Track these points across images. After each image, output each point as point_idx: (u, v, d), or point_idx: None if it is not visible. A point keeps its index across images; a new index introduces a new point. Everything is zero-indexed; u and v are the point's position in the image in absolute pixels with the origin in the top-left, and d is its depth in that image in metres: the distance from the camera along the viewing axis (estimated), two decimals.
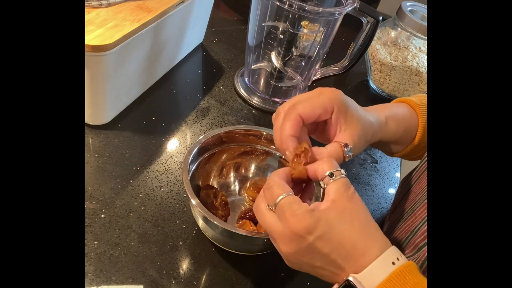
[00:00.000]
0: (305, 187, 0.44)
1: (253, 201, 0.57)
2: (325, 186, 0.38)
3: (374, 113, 0.46)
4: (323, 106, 0.42)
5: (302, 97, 0.43)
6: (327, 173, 0.38)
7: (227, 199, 0.55)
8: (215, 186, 0.56)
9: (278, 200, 0.37)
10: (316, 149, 0.42)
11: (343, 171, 0.38)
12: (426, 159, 0.48)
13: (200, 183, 0.55)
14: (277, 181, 0.39)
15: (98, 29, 0.54)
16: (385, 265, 0.34)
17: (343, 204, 0.36)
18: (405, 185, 0.51)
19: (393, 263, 0.34)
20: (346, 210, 0.36)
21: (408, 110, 0.50)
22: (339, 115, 0.42)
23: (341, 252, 0.35)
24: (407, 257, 0.39)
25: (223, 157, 0.58)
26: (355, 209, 0.36)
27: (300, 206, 0.36)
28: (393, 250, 0.35)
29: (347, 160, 0.42)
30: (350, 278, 0.34)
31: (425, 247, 0.38)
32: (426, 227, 0.39)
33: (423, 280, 0.33)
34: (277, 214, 0.38)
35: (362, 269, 0.34)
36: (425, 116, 0.49)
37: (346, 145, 0.42)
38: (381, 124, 0.46)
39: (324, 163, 0.39)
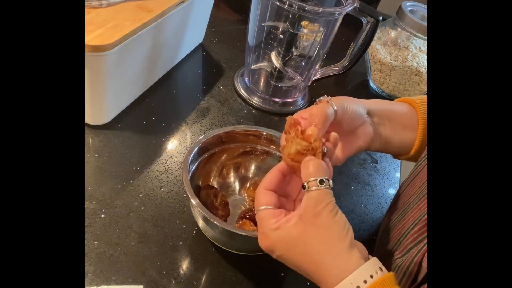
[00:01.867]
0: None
1: (253, 201, 0.57)
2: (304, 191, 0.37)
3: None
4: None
5: None
6: (304, 182, 0.37)
7: (227, 199, 0.55)
8: (215, 186, 0.56)
9: (257, 211, 0.39)
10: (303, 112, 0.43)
11: (320, 181, 0.36)
12: (420, 162, 0.48)
13: (200, 183, 0.55)
14: (262, 190, 0.40)
15: (98, 29, 0.54)
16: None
17: (304, 226, 0.36)
18: (401, 188, 0.51)
19: (365, 281, 0.33)
20: (304, 234, 0.36)
21: (407, 107, 0.50)
22: None
23: (305, 269, 0.36)
24: (395, 259, 0.40)
25: (223, 157, 0.58)
26: (313, 233, 0.35)
27: (268, 224, 0.37)
28: (363, 270, 0.34)
29: (338, 112, 0.43)
30: None
31: (414, 248, 0.38)
32: (416, 229, 0.39)
33: None
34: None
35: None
36: (426, 115, 0.49)
37: (325, 96, 0.43)
38: (370, 102, 0.48)
39: (307, 168, 0.37)
